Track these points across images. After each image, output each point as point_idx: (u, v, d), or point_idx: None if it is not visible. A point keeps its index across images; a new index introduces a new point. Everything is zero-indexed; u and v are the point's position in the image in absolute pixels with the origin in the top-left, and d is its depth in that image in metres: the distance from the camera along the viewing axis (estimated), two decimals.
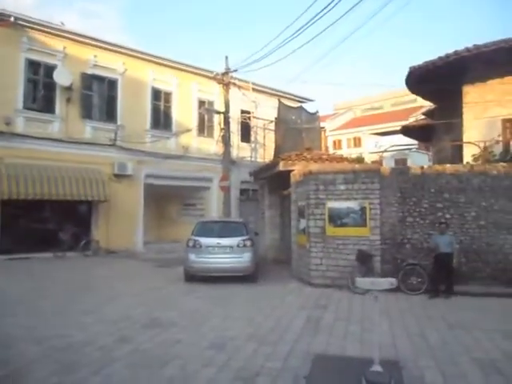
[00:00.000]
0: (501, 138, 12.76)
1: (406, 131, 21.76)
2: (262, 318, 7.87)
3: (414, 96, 45.06)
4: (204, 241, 11.16)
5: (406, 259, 10.34)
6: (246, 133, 23.00)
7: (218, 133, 18.53)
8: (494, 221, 10.35)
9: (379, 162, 11.73)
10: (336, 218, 10.78)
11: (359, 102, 47.47)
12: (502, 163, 10.61)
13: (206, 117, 20.98)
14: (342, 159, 12.56)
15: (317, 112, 22.99)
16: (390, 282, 5.06)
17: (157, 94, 19.72)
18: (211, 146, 20.87)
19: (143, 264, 15.38)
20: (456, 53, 11.76)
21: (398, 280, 10.06)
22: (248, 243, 11.25)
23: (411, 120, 29.28)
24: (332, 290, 10.56)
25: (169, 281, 11.74)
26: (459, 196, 10.56)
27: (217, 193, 20.51)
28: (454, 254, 9.79)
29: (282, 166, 11.94)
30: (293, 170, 12.17)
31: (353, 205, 10.67)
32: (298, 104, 23.94)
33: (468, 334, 6.98)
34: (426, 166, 10.85)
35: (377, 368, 4.53)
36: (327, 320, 7.81)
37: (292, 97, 24.94)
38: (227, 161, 15.60)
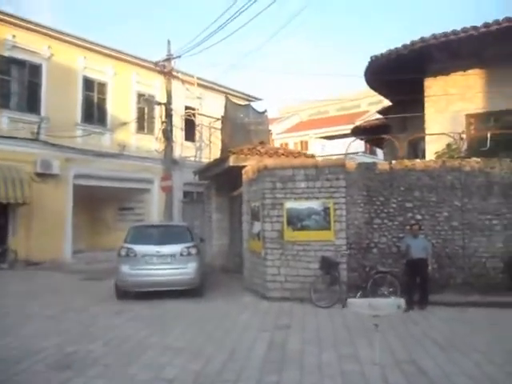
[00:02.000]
0: (464, 135, 11.87)
1: (357, 132, 20.87)
2: (211, 347, 6.11)
3: (358, 102, 45.25)
4: (140, 249, 9.23)
5: (375, 266, 9.01)
6: (190, 131, 21.13)
7: (159, 130, 16.50)
8: (467, 221, 9.28)
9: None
10: (296, 221, 9.26)
11: (304, 107, 46.95)
12: (474, 158, 9.60)
13: (146, 111, 18.89)
14: (299, 154, 11.12)
15: (265, 111, 21.59)
16: (396, 303, 3.59)
17: (89, 84, 17.38)
18: (152, 144, 18.75)
19: (69, 277, 13.07)
20: (422, 40, 10.71)
21: (367, 290, 8.71)
22: (193, 251, 9.46)
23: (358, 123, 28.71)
24: (292, 303, 9.01)
25: (96, 298, 9.65)
26: (430, 195, 9.41)
27: (158, 196, 18.45)
28: (428, 260, 8.58)
29: (232, 161, 10.31)
30: (245, 166, 10.56)
31: (315, 205, 9.21)
32: (246, 102, 22.52)
33: (466, 357, 5.65)
34: (394, 162, 9.64)
35: None
36: (294, 345, 6.20)
37: (239, 94, 23.38)
38: (169, 158, 13.73)
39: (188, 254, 9.36)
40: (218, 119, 18.50)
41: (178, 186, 19.23)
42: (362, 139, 22.69)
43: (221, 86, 22.42)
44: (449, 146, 11.57)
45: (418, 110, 13.55)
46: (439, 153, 11.51)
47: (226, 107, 19.68)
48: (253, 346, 6.15)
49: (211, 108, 20.68)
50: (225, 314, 8.15)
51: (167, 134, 13.59)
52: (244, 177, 10.66)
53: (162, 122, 14.32)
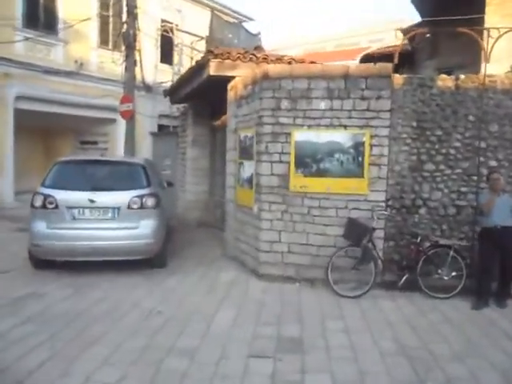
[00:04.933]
0: None
1: (367, 61, 16.96)
2: None
3: (357, 38, 40.60)
4: (64, 197, 5.70)
5: (429, 236, 5.70)
6: (167, 52, 16.94)
7: (119, 35, 12.26)
8: None
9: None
10: (309, 161, 5.77)
11: (300, 42, 42.17)
12: None
13: (111, 19, 14.62)
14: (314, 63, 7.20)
15: (259, 33, 17.49)
16: None
17: None
18: (118, 63, 14.69)
19: (1, 226, 9.65)
20: None
21: (415, 273, 5.45)
22: (149, 202, 5.97)
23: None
24: (298, 287, 5.77)
25: (11, 262, 6.28)
26: None
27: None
28: None
29: (213, 69, 6.59)
30: (232, 79, 6.88)
31: (341, 138, 5.69)
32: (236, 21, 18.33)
33: None
34: (463, 76, 6.07)
35: None
36: None
37: (228, 11, 19.00)
38: (131, 73, 9.90)
39: (141, 207, 5.89)
40: (202, 38, 14.56)
41: (150, 117, 15.52)
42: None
43: None
44: None
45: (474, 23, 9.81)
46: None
47: (211, 24, 15.62)
48: None
49: (194, 24, 16.46)
50: (193, 310, 4.83)
51: (128, 40, 9.70)
52: (230, 94, 7.01)
53: (123, 23, 10.31)
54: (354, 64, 5.63)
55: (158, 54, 16.43)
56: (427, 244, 5.55)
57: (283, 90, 5.80)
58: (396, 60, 5.66)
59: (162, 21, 16.39)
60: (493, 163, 5.99)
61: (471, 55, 10.09)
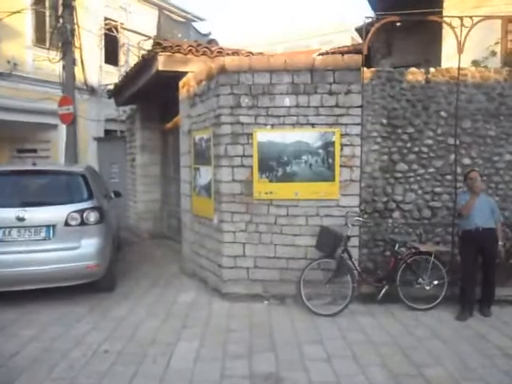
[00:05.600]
0: (498, 49, 8.15)
1: None
2: None
3: (307, 41, 40.81)
4: None
5: (407, 242, 5.22)
6: (112, 52, 15.84)
7: (52, 31, 11.08)
8: None
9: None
10: (274, 165, 5.14)
11: (248, 45, 41.79)
12: None
13: (47, 14, 13.35)
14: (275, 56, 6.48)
15: (209, 33, 16.92)
16: None
17: None
18: (55, 61, 13.46)
19: None
20: None
21: (395, 283, 4.96)
22: (92, 217, 5.10)
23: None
24: (267, 305, 5.11)
25: None
26: (488, 126, 5.65)
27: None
28: (497, 231, 4.91)
29: (162, 64, 5.78)
30: (184, 75, 6.13)
31: (309, 137, 5.10)
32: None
33: None
34: (433, 70, 5.68)
35: None
36: None
37: (178, 10, 18.13)
38: (70, 74, 8.85)
39: (81, 224, 5.01)
40: (150, 38, 13.65)
41: (96, 121, 14.38)
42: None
43: None
44: (475, 63, 7.81)
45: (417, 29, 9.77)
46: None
47: (159, 23, 14.92)
48: None
49: (141, 24, 15.54)
50: (148, 343, 4.03)
51: (65, 36, 8.69)
52: (183, 92, 6.25)
53: (58, 17, 9.24)
54: (322, 57, 5.05)
55: (102, 54, 15.25)
56: (407, 251, 5.08)
57: (242, 85, 5.13)
58: (365, 51, 5.15)
59: (106, 19, 15.25)
60: (466, 161, 5.65)
61: (425, 53, 9.96)
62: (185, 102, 6.20)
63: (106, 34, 15.37)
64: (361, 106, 5.10)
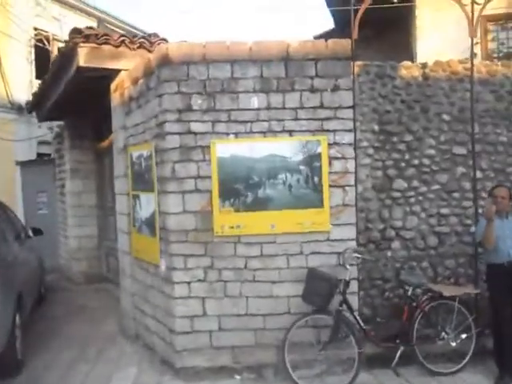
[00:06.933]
0: (478, 50, 7.29)
1: None
2: None
3: None
4: None
5: (424, 284, 3.92)
6: (45, 66, 13.95)
7: None
8: None
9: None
10: (241, 188, 3.71)
11: None
12: None
13: None
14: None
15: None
16: None
17: None
18: None
19: None
20: None
21: (411, 340, 3.62)
22: None
23: None
24: (239, 382, 3.63)
25: None
26: (498, 130, 4.56)
27: None
28: None
29: (84, 59, 4.19)
30: (116, 74, 4.64)
31: (286, 149, 3.73)
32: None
33: None
34: (431, 64, 4.55)
35: None
36: None
37: (118, 23, 16.56)
38: None
39: None
40: None
41: (26, 144, 12.43)
42: None
43: (90, 6, 15.40)
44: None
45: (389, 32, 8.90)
46: None
47: None
48: None
49: None
50: None
51: None
52: (115, 97, 4.74)
53: None
54: (299, 41, 3.72)
55: (32, 68, 13.38)
56: (423, 296, 3.78)
57: (194, 81, 3.72)
58: (355, 34, 3.90)
59: (36, 29, 13.46)
60: (477, 174, 4.50)
61: (400, 57, 9.04)
62: (118, 109, 4.69)
63: (36, 47, 13.53)
64: (352, 107, 3.82)
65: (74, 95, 5.49)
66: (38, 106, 7.05)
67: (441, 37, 7.45)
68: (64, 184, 7.55)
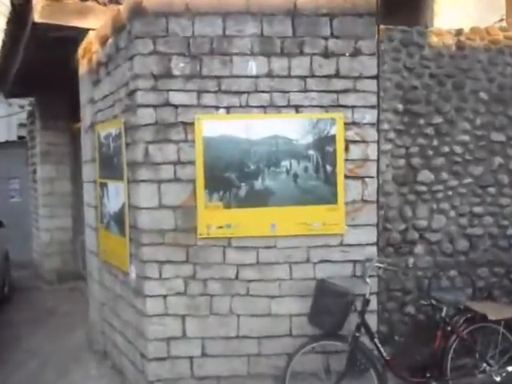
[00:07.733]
0: (504, 23, 6.50)
1: None
2: None
3: None
4: None
5: (461, 302, 3.15)
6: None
7: None
8: None
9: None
10: (233, 178, 2.91)
11: None
12: None
13: None
14: None
15: None
16: None
17: None
18: None
19: None
20: None
21: (444, 369, 2.84)
22: None
23: None
24: None
25: None
26: None
27: None
28: None
29: (41, 13, 3.34)
30: (83, 36, 3.79)
31: (291, 129, 2.93)
32: None
33: None
34: (466, 31, 3.75)
35: None
36: None
37: None
38: None
39: None
40: None
41: (2, 125, 11.55)
42: None
43: None
44: None
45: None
46: None
47: None
48: None
49: None
50: None
51: None
52: (83, 64, 3.90)
53: None
54: None
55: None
56: (459, 317, 3.00)
57: (175, 37, 2.87)
58: None
59: None
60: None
61: None
62: (86, 79, 3.84)
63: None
64: (376, 77, 3.00)
65: (38, 64, 4.61)
66: (2, 78, 6.16)
67: (459, 14, 6.67)
68: (35, 169, 6.69)
